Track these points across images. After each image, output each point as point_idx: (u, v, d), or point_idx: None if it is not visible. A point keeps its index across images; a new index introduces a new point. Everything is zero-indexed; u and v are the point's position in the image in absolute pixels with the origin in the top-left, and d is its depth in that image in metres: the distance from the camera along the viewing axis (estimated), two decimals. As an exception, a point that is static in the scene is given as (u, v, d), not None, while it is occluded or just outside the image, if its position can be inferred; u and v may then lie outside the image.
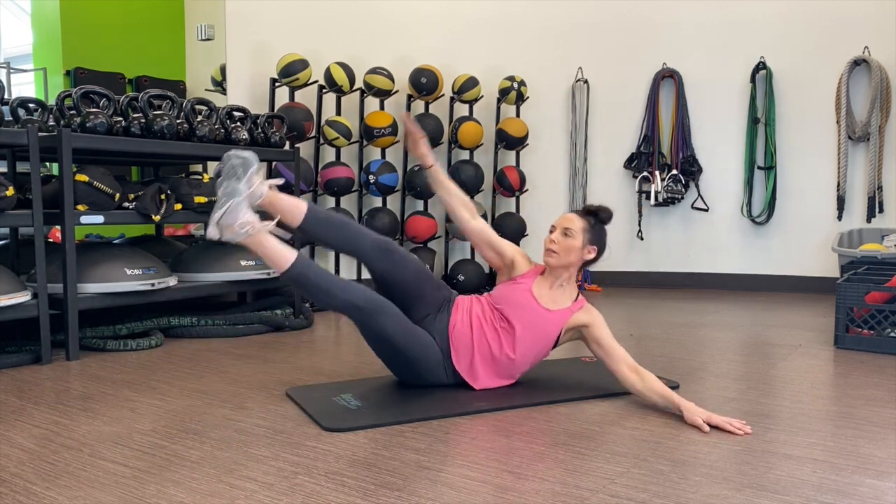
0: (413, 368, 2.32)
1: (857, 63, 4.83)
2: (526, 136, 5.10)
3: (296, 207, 2.25)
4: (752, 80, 5.11)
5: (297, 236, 2.33)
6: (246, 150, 2.17)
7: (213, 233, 2.12)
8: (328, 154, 4.83)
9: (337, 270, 4.70)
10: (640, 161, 5.33)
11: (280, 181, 2.25)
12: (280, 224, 2.22)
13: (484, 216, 4.89)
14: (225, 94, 4.50)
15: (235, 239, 2.12)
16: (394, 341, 2.25)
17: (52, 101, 3.37)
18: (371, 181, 4.60)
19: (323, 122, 4.58)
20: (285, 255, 2.16)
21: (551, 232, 2.33)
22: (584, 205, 2.39)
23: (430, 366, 2.31)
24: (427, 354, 2.30)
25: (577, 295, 2.37)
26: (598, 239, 2.32)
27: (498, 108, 5.19)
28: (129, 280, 3.11)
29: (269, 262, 2.18)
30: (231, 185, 2.09)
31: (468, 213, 2.45)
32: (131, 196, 3.18)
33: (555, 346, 2.36)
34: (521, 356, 2.32)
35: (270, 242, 2.15)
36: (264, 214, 2.21)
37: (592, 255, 2.33)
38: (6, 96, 3.08)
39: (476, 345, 2.32)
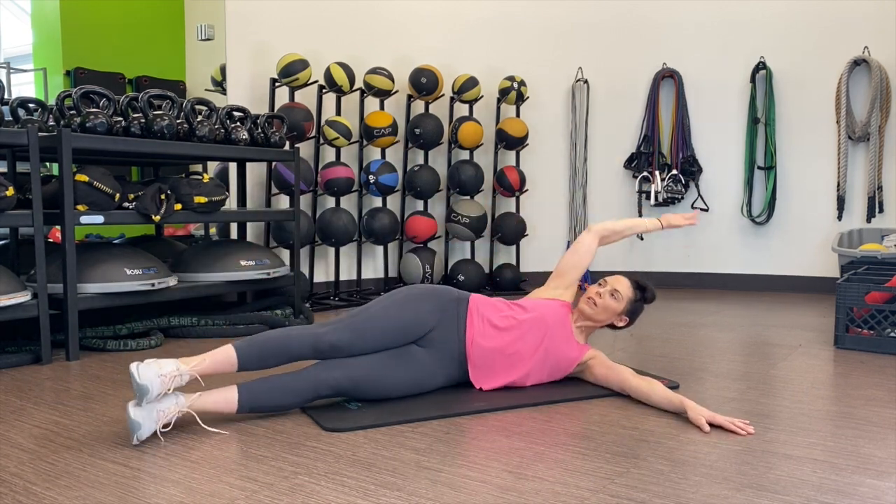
0: (413, 393, 2.28)
1: (857, 63, 4.83)
2: (526, 136, 5.10)
3: (226, 359, 2.05)
4: (752, 80, 5.11)
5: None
6: (146, 372, 1.88)
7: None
8: (328, 154, 4.83)
9: (337, 270, 4.70)
10: (640, 161, 5.33)
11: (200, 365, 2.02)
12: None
13: (484, 216, 4.91)
14: (225, 94, 4.50)
15: (169, 425, 1.94)
16: (385, 396, 2.21)
17: (52, 101, 3.37)
18: (371, 181, 4.60)
19: (323, 122, 4.57)
20: (229, 402, 2.01)
21: (600, 285, 2.44)
22: (638, 278, 2.49)
23: (429, 384, 2.29)
24: (423, 381, 2.26)
25: (586, 342, 2.51)
26: (634, 313, 2.46)
27: (498, 108, 5.19)
28: (129, 280, 3.11)
29: (220, 415, 2.05)
30: (131, 416, 1.86)
31: (603, 238, 2.65)
32: (131, 196, 3.18)
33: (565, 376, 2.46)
34: (539, 369, 2.37)
35: (207, 403, 1.99)
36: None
37: (622, 324, 2.47)
38: (6, 96, 3.08)
39: (499, 354, 2.31)
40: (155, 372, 1.88)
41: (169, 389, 1.90)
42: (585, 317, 2.43)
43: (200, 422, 1.99)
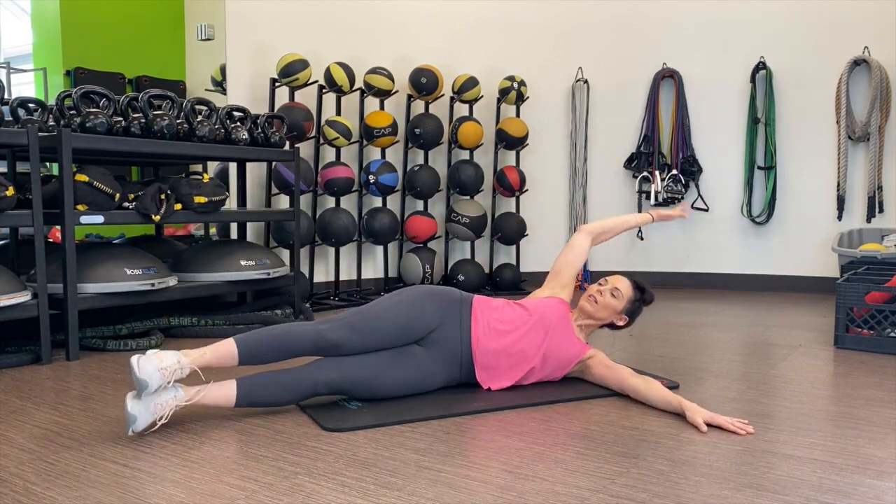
0: (413, 393, 2.28)
1: (857, 63, 4.83)
2: (526, 136, 5.10)
3: (227, 353, 2.08)
4: (752, 80, 5.11)
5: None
6: (146, 366, 1.88)
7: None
8: (328, 154, 4.83)
9: (337, 270, 4.70)
10: (640, 161, 5.33)
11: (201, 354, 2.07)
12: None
13: (484, 216, 4.91)
14: (225, 94, 4.50)
15: (166, 418, 1.95)
16: (383, 396, 2.22)
17: (52, 101, 3.37)
18: (371, 181, 4.60)
19: (323, 122, 4.57)
20: (227, 396, 2.03)
21: (601, 284, 2.48)
22: (638, 279, 2.54)
23: (428, 385, 2.28)
24: (422, 382, 2.26)
25: (587, 342, 2.53)
26: (633, 313, 2.51)
27: (498, 108, 5.19)
28: (129, 280, 3.11)
29: (218, 409, 2.09)
30: (128, 408, 1.87)
31: (596, 238, 2.71)
32: (131, 196, 3.18)
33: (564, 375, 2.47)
34: (541, 367, 2.38)
35: (207, 398, 2.00)
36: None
37: (621, 323, 2.50)
38: (6, 96, 3.08)
39: (504, 354, 2.31)
40: (155, 366, 1.88)
41: (169, 382, 1.91)
42: (586, 315, 2.46)
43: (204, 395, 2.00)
